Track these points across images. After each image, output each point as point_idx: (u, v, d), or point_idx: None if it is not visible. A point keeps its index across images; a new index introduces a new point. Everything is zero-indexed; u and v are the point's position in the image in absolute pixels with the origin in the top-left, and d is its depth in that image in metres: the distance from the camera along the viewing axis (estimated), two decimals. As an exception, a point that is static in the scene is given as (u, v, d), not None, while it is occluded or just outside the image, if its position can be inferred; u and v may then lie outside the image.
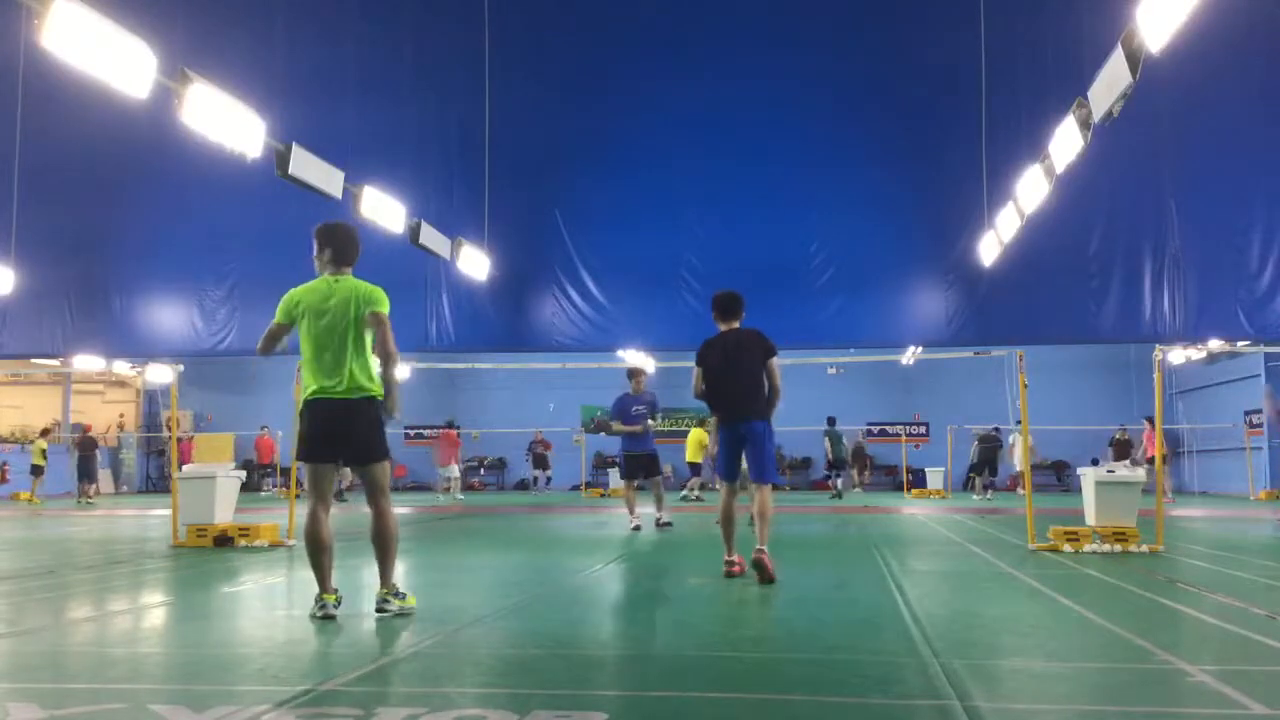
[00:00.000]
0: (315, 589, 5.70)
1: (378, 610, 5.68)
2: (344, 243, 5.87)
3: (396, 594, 5.74)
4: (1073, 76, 11.18)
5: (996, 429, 23.74)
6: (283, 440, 27.67)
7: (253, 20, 16.94)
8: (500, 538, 12.34)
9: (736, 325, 7.66)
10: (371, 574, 6.10)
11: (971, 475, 24.26)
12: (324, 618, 5.55)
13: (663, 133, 16.63)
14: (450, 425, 27.52)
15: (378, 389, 5.68)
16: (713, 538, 11.69)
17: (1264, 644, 4.93)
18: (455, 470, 24.99)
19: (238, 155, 9.77)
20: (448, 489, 24.83)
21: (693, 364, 7.65)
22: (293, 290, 5.81)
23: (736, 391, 7.47)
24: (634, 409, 12.78)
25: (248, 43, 16.31)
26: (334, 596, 5.67)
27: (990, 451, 23.17)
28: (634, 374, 13.24)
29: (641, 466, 12.88)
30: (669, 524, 12.60)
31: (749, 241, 16.26)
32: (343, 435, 5.63)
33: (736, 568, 7.38)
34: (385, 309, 5.73)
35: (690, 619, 5.89)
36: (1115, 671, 4.44)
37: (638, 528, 12.30)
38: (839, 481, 24.20)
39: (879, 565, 8.48)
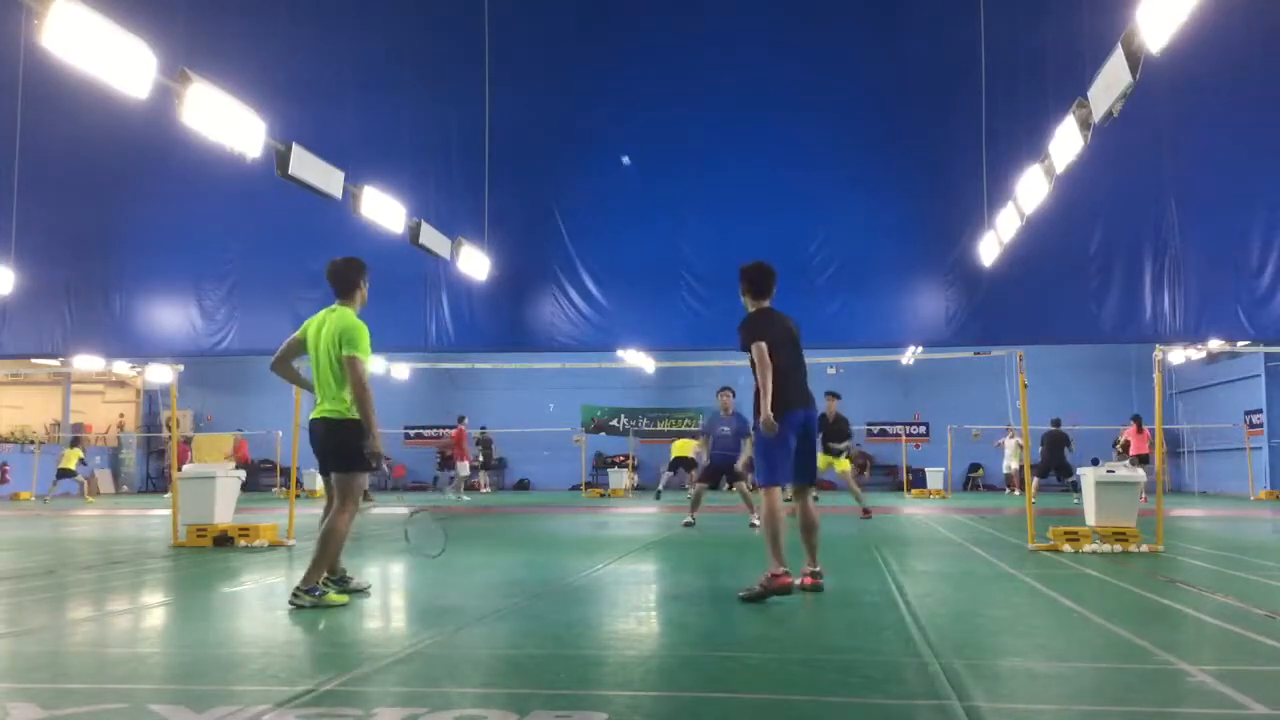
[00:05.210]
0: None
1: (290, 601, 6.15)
2: (330, 279, 6.48)
3: (309, 590, 6.09)
4: (1073, 76, 11.17)
5: (1058, 420, 20.55)
6: (283, 440, 27.62)
7: (253, 20, 16.92)
8: (501, 538, 12.34)
9: (767, 304, 6.89)
10: (371, 574, 6.17)
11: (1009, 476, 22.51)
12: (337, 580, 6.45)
13: (663, 133, 16.62)
14: (461, 421, 25.24)
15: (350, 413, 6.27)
16: (713, 539, 11.70)
17: (1264, 644, 4.93)
18: (466, 468, 24.18)
19: (238, 155, 9.76)
20: (471, 487, 24.05)
21: (694, 355, 7.22)
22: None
23: (800, 380, 6.76)
24: (720, 430, 13.33)
25: (248, 43, 16.28)
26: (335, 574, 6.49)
27: (1056, 448, 20.02)
28: (722, 392, 13.59)
29: (725, 473, 13.57)
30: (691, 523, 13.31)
31: (749, 241, 16.19)
32: (325, 449, 6.32)
33: (792, 579, 6.42)
34: (360, 350, 6.20)
35: (690, 619, 5.88)
36: (1115, 671, 4.44)
37: (690, 524, 13.29)
38: None
39: (879, 565, 8.48)
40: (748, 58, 16.51)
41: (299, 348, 6.46)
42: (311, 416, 6.34)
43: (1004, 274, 15.57)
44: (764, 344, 6.55)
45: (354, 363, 6.15)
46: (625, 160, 16.64)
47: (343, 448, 6.23)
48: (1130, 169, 15.56)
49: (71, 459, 24.30)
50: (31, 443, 28.91)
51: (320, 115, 15.50)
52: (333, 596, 6.12)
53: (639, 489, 29.31)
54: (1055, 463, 20.04)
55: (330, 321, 6.32)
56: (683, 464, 24.12)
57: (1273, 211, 15.43)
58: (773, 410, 6.48)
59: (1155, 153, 15.54)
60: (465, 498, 23.56)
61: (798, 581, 6.50)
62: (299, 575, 7.04)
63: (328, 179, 11.30)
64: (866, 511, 14.86)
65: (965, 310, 16.45)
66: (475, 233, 16.08)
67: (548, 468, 32.29)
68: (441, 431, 32.56)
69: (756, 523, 12.48)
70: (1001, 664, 4.57)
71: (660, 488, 24.13)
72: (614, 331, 17.27)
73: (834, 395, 15.32)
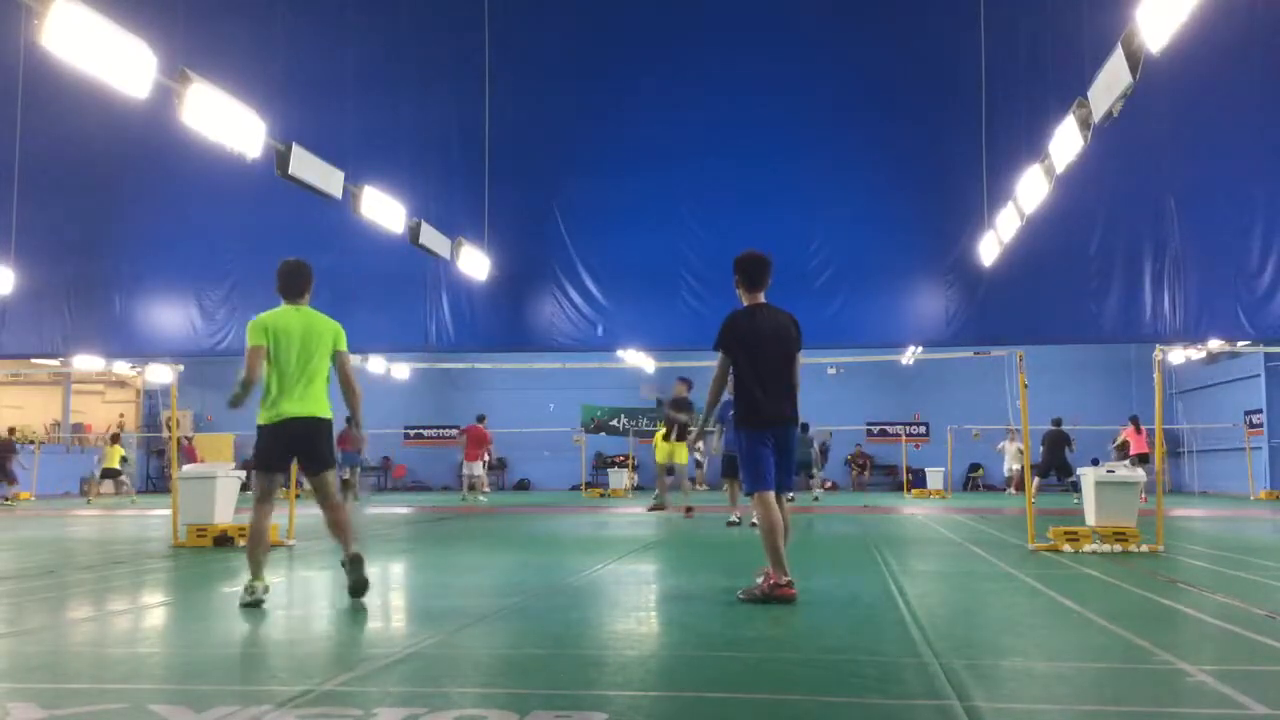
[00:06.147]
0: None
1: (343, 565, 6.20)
2: (287, 279, 6.44)
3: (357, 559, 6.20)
4: (1073, 76, 11.18)
5: (1058, 420, 20.34)
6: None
7: (253, 20, 16.93)
8: (501, 538, 12.34)
9: (762, 298, 6.57)
10: (371, 574, 6.18)
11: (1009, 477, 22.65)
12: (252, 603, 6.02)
13: (662, 132, 16.63)
14: (480, 420, 24.18)
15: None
16: (714, 539, 11.70)
17: (1264, 644, 4.92)
18: (479, 468, 23.60)
19: (238, 155, 9.77)
20: (473, 487, 23.89)
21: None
22: (261, 316, 6.37)
23: (779, 390, 6.39)
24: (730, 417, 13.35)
25: (248, 43, 16.30)
26: (263, 582, 6.18)
27: (1057, 448, 19.84)
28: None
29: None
30: (736, 522, 13.29)
31: (748, 241, 15.96)
32: (310, 448, 6.36)
33: (795, 591, 6.22)
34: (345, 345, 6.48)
35: (690, 619, 5.88)
36: (1115, 671, 4.44)
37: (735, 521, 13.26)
38: (812, 484, 22.84)
39: (879, 565, 8.48)
40: (747, 58, 16.52)
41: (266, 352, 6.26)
42: (292, 415, 6.21)
43: (1004, 274, 15.57)
44: (724, 357, 6.45)
45: (348, 359, 6.43)
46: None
47: (327, 446, 6.44)
48: (1130, 169, 15.56)
49: (114, 456, 24.19)
50: (31, 443, 28.89)
51: (320, 115, 15.51)
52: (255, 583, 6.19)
53: (639, 489, 29.30)
54: (1056, 463, 20.04)
55: (308, 321, 6.35)
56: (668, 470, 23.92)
57: (1273, 211, 15.42)
58: (747, 421, 6.41)
59: (1155, 153, 15.54)
60: (482, 498, 23.35)
61: (759, 580, 6.32)
62: (299, 575, 7.05)
63: (328, 179, 11.31)
64: (659, 506, 14.40)
65: (965, 310, 16.45)
66: (475, 233, 16.09)
67: (548, 468, 32.28)
68: (443, 431, 32.56)
69: (756, 522, 12.42)
70: (1001, 664, 4.57)
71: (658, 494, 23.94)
72: (614, 331, 17.28)
73: (684, 380, 15.76)
